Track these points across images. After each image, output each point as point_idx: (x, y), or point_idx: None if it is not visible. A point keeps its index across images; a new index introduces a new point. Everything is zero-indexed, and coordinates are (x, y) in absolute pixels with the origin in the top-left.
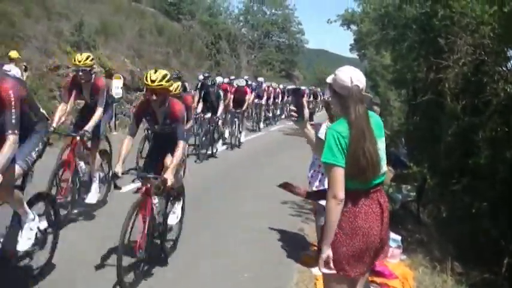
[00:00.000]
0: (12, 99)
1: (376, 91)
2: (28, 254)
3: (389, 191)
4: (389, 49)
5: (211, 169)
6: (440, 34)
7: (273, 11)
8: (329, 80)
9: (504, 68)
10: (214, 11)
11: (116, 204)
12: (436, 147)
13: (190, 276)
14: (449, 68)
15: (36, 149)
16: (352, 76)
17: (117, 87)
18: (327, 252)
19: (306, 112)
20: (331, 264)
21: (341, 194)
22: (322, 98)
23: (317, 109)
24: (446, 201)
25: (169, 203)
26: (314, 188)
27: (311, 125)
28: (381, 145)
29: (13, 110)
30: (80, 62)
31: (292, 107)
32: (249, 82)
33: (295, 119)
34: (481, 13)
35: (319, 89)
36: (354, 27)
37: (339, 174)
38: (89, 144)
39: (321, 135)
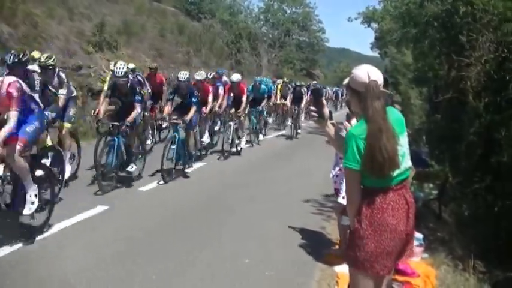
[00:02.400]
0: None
1: (397, 89)
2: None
3: (411, 189)
4: (410, 47)
5: (231, 166)
6: (462, 31)
7: (293, 9)
8: (346, 80)
9: None
10: (235, 10)
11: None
12: (458, 145)
13: (214, 275)
14: (471, 66)
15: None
16: (369, 72)
17: None
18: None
19: (326, 111)
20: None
21: (354, 197)
22: (343, 96)
23: (339, 106)
24: (468, 199)
25: None
26: (342, 193)
27: (332, 124)
28: (403, 141)
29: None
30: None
31: (312, 107)
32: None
33: (316, 118)
34: (503, 10)
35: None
36: (374, 25)
37: (354, 178)
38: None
39: (343, 133)
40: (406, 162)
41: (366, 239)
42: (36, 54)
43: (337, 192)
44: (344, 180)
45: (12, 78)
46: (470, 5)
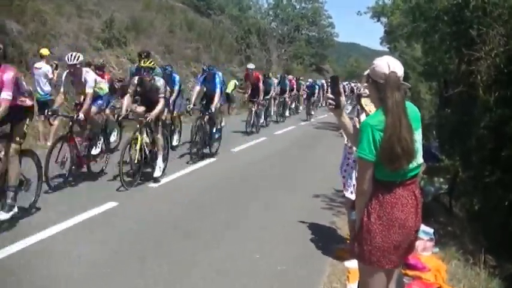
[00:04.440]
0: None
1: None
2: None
3: (421, 183)
4: (420, 41)
5: (240, 162)
6: (472, 25)
7: (303, 4)
8: (367, 71)
9: None
10: (244, 5)
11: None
12: (468, 140)
13: (226, 271)
14: (481, 60)
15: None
16: (389, 63)
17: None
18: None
19: (343, 100)
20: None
21: (366, 188)
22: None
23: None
24: (479, 193)
25: None
26: (351, 189)
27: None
28: (418, 137)
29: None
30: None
31: (330, 95)
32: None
33: (333, 106)
34: None
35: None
36: (384, 19)
37: (368, 168)
38: None
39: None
40: (419, 158)
41: (374, 232)
42: (44, 51)
43: (345, 186)
44: (352, 175)
45: None
46: None
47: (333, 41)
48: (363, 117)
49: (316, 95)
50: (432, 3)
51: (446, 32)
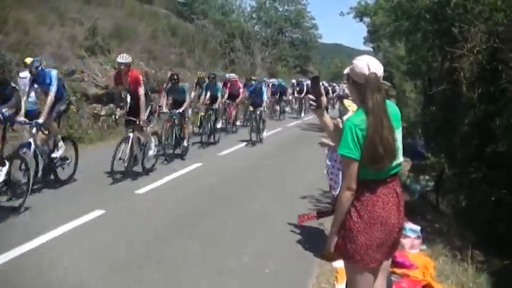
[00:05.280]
0: None
1: (391, 83)
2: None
3: (407, 181)
4: (403, 40)
5: (226, 165)
6: (454, 23)
7: (286, 7)
8: (346, 70)
9: None
10: (227, 9)
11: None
12: (453, 136)
13: (215, 276)
14: (464, 57)
15: None
16: (369, 64)
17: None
18: (335, 238)
19: (324, 100)
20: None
21: (354, 186)
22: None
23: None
24: (465, 190)
25: None
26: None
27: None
28: (398, 136)
29: None
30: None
31: (311, 95)
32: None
33: (314, 107)
34: (493, 0)
35: (335, 84)
36: (367, 19)
37: (354, 166)
38: None
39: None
40: (399, 157)
41: (356, 231)
42: (29, 60)
43: (332, 187)
44: (339, 176)
45: None
46: None
47: (317, 43)
48: (345, 117)
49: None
50: (414, 1)
51: (429, 30)
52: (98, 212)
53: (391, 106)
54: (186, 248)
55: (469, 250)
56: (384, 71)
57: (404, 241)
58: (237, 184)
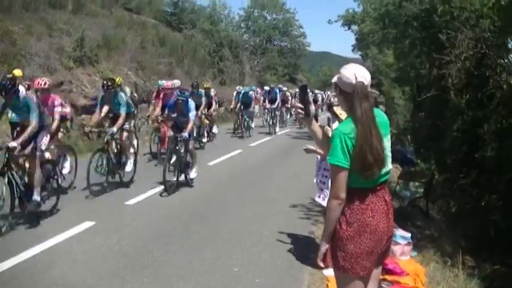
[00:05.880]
0: None
1: (380, 90)
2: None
3: (397, 188)
4: (391, 47)
5: (215, 175)
6: (441, 30)
7: (274, 15)
8: (334, 79)
9: (506, 60)
10: (215, 19)
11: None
12: (442, 142)
13: (207, 285)
14: (451, 63)
15: None
16: (356, 73)
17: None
18: (324, 248)
19: (312, 108)
20: (328, 260)
21: (343, 195)
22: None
23: (319, 111)
24: (455, 196)
25: None
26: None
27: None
28: (387, 143)
29: None
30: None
31: (299, 104)
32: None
33: (302, 115)
34: (480, 6)
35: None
36: (355, 27)
37: (343, 175)
38: None
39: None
40: (388, 165)
41: (346, 239)
42: (17, 72)
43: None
44: (324, 183)
45: None
46: (448, 3)
47: (305, 51)
48: (335, 125)
49: (252, 105)
50: (401, 9)
51: (416, 37)
52: (88, 224)
53: (379, 113)
54: (175, 259)
55: (459, 256)
56: (373, 78)
57: (395, 248)
58: (227, 193)
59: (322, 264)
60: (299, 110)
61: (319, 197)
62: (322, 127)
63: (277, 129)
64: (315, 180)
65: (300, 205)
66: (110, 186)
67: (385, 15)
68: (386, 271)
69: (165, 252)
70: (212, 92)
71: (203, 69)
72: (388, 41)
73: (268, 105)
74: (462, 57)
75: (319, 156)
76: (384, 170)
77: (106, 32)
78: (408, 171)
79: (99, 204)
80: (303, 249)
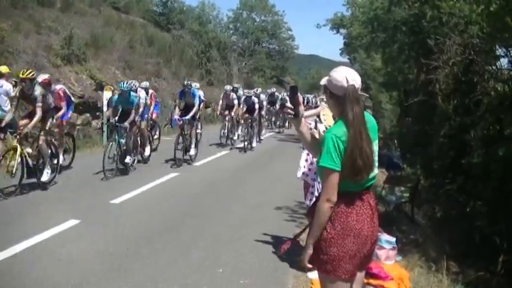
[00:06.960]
0: None
1: (367, 94)
2: None
3: (382, 193)
4: (379, 52)
5: (202, 175)
6: (430, 35)
7: (263, 17)
8: (323, 81)
9: (494, 67)
10: (204, 19)
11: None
12: (429, 148)
13: (189, 285)
14: (439, 69)
15: None
16: (347, 76)
17: (107, 99)
18: (311, 250)
19: (302, 109)
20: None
21: (334, 198)
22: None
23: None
24: (441, 201)
25: None
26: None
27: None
28: (375, 148)
29: None
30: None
31: (289, 104)
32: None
33: (291, 116)
34: (469, 12)
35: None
36: (343, 30)
37: (335, 178)
38: None
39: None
40: (375, 169)
41: (329, 242)
42: (4, 69)
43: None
44: (313, 186)
45: None
46: (437, 8)
47: (294, 53)
48: (321, 127)
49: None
50: (390, 14)
51: (405, 42)
52: (72, 222)
53: (369, 118)
54: (159, 259)
55: (444, 261)
56: (361, 82)
57: (380, 252)
58: (213, 195)
59: (310, 266)
60: (289, 111)
61: (307, 199)
62: (310, 129)
63: (254, 144)
64: (298, 175)
65: (285, 207)
66: (96, 185)
67: (374, 19)
68: (371, 275)
69: (149, 252)
70: (201, 94)
71: (191, 69)
72: (377, 45)
73: (247, 115)
74: (450, 63)
75: (309, 155)
76: (371, 175)
77: (94, 30)
78: (394, 176)
79: (85, 202)
80: (288, 252)
